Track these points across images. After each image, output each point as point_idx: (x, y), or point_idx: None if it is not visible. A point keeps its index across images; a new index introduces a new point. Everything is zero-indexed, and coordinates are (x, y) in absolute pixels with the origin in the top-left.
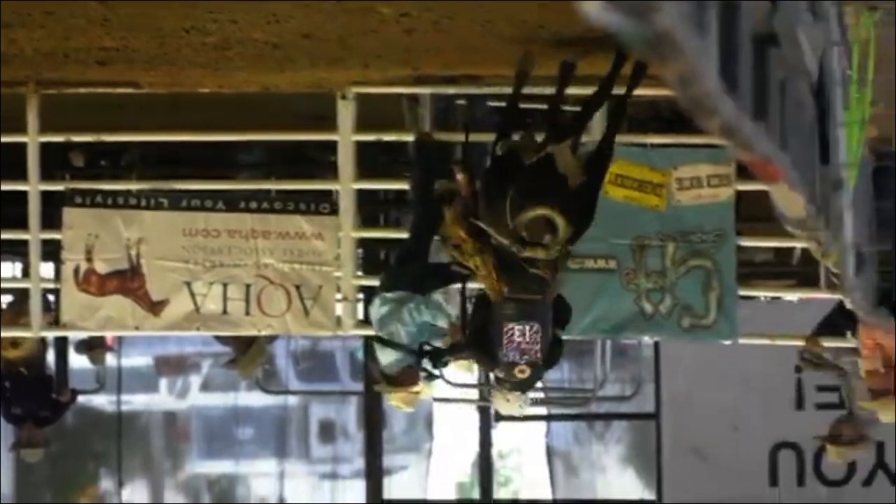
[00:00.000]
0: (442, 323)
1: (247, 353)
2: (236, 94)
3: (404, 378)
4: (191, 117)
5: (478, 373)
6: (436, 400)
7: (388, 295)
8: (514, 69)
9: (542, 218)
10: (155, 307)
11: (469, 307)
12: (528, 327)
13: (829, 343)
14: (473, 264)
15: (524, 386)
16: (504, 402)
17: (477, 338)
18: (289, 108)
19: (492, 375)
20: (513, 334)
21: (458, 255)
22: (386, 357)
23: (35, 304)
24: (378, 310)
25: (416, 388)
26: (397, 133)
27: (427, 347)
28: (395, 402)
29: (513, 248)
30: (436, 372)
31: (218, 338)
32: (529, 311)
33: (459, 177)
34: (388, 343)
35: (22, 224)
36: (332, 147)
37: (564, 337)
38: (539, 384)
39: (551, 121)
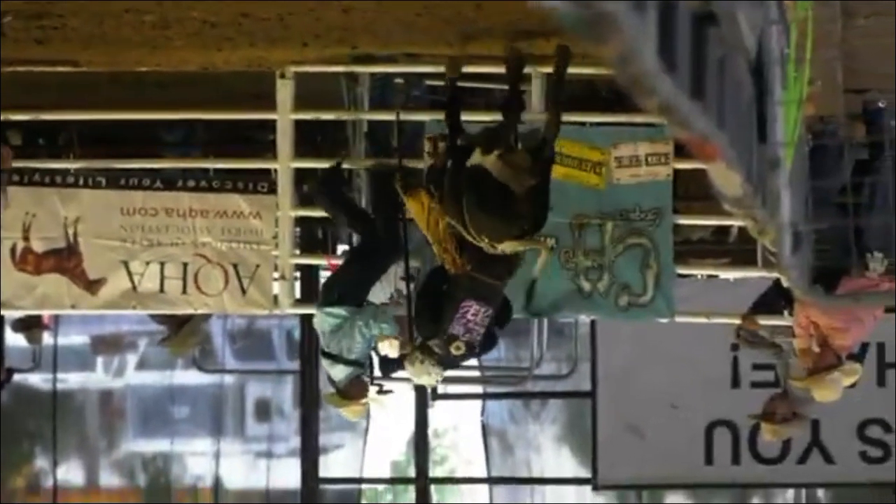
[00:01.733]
0: (390, 333)
1: (179, 332)
2: (175, 73)
3: (353, 390)
4: (130, 96)
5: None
6: (374, 379)
7: (333, 310)
8: (451, 48)
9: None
10: (92, 286)
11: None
12: (482, 309)
13: (765, 321)
14: (439, 242)
15: (450, 363)
16: (424, 374)
17: (425, 305)
18: (227, 87)
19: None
20: (467, 311)
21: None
22: (337, 372)
23: None
24: (323, 324)
25: (365, 400)
26: (336, 112)
27: (377, 355)
28: (346, 414)
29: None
30: (387, 387)
31: (153, 316)
32: (487, 294)
33: (440, 146)
34: (337, 358)
35: None
36: (270, 126)
37: None
38: (472, 363)
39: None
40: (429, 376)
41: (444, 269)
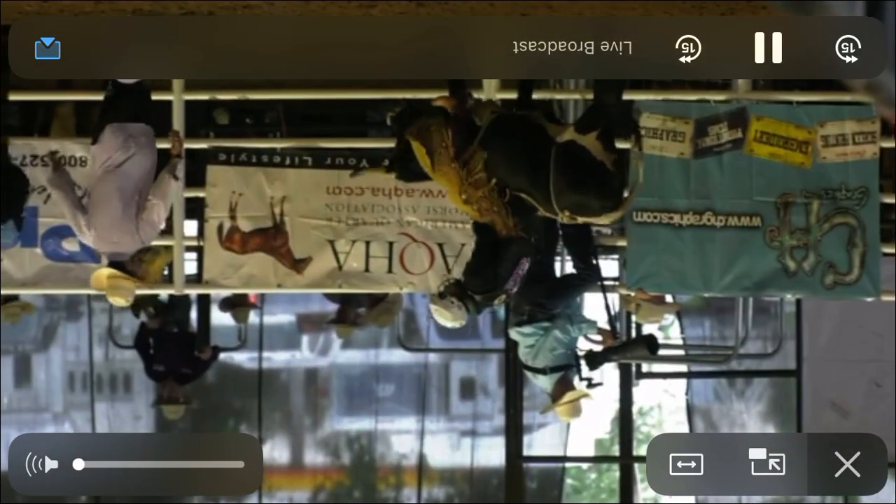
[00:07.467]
0: (591, 332)
1: (372, 310)
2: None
3: (559, 391)
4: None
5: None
6: (582, 376)
7: (524, 329)
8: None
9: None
10: (297, 265)
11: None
12: (528, 262)
13: None
14: (489, 206)
15: (482, 307)
16: (449, 316)
17: (484, 264)
18: None
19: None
20: (521, 268)
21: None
22: (543, 382)
23: (178, 262)
24: (522, 341)
25: (569, 398)
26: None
27: (580, 354)
28: (560, 415)
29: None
30: (597, 380)
31: (327, 295)
32: (532, 249)
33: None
34: (542, 371)
35: None
36: None
37: (706, 295)
38: (677, 341)
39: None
40: (454, 319)
41: (488, 233)
